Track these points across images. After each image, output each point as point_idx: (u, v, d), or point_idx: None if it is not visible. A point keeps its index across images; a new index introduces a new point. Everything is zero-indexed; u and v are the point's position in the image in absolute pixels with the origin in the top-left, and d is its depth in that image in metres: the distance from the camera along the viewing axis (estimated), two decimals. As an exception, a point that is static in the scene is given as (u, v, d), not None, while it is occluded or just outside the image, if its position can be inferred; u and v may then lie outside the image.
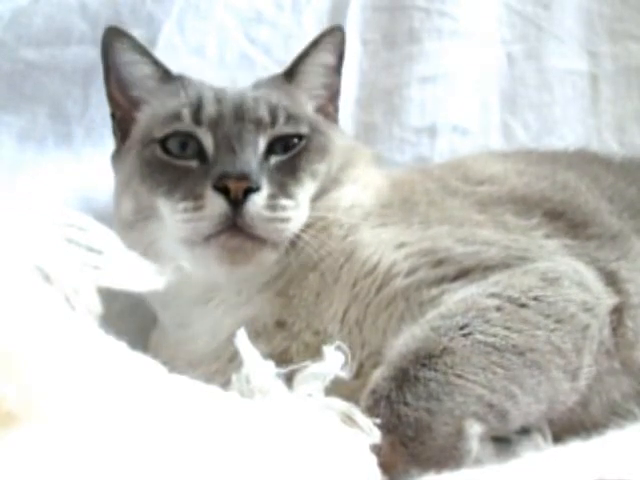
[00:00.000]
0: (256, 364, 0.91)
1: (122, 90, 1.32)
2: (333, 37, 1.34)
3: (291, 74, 1.33)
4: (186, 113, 1.22)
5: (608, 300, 1.04)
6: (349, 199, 1.22)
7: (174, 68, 1.35)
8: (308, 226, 1.17)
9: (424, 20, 1.83)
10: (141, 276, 1.34)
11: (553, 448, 0.93)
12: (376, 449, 0.83)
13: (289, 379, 0.92)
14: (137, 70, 1.30)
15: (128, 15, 1.65)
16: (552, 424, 0.98)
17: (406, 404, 0.89)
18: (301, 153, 1.21)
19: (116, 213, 1.28)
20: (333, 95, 1.37)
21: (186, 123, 1.21)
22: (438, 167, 1.41)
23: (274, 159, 1.18)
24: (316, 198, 1.20)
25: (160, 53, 1.60)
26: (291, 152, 1.21)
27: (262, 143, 1.19)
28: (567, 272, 1.05)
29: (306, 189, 1.19)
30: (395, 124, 1.79)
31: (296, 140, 1.22)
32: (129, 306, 1.29)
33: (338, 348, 0.92)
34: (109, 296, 1.25)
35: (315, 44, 1.33)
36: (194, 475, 0.64)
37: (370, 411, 0.89)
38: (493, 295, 1.00)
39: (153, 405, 0.72)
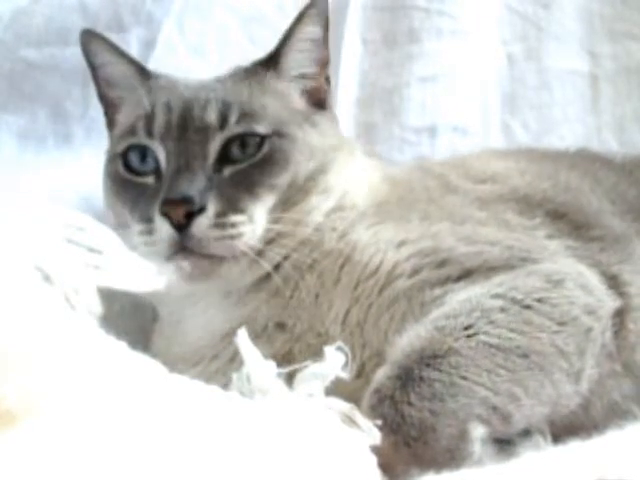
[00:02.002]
0: (257, 364, 0.90)
1: (106, 90, 1.30)
2: (316, 6, 1.23)
3: (274, 58, 1.24)
4: (140, 126, 1.18)
5: (611, 303, 1.04)
6: (319, 213, 1.16)
7: (174, 68, 1.35)
8: (272, 240, 1.13)
9: (424, 20, 1.84)
10: (141, 276, 1.35)
11: (553, 448, 0.93)
12: (376, 449, 0.83)
13: (289, 379, 0.92)
14: (114, 70, 1.27)
15: (128, 15, 1.65)
16: (552, 425, 0.98)
17: (410, 404, 0.88)
18: (261, 163, 1.14)
19: (107, 215, 1.28)
20: (322, 69, 1.26)
21: (140, 136, 1.17)
22: (439, 165, 1.39)
23: (228, 170, 1.13)
24: (280, 208, 1.13)
25: (160, 53, 1.61)
26: (250, 160, 1.14)
27: (212, 151, 1.13)
28: (571, 274, 1.04)
29: (263, 202, 1.12)
30: (395, 124, 1.79)
31: (254, 141, 1.15)
32: (129, 306, 1.30)
33: (339, 348, 0.92)
34: (109, 296, 1.26)
35: (299, 19, 1.23)
36: (194, 475, 0.64)
37: (373, 410, 0.89)
38: (497, 296, 1.00)
39: (153, 405, 0.72)
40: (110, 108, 1.30)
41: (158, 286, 1.28)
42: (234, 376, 0.91)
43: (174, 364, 1.14)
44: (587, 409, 1.00)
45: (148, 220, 1.10)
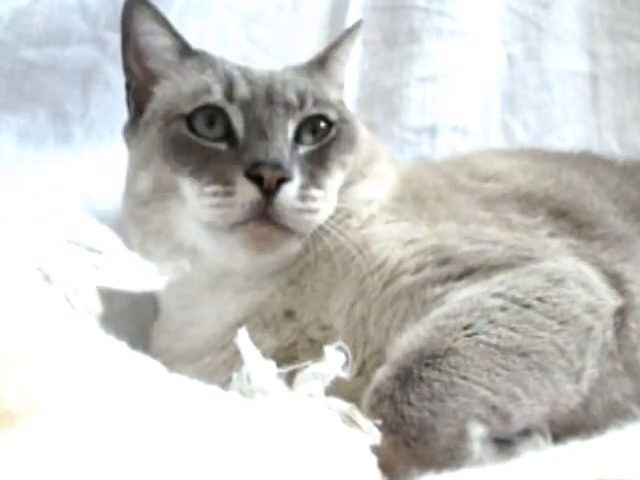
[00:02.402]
0: (257, 364, 0.91)
1: (139, 60, 1.27)
2: (360, 29, 1.36)
3: (321, 62, 1.31)
4: (217, 89, 1.17)
5: (612, 302, 1.04)
6: (369, 193, 1.21)
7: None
8: (331, 217, 1.15)
9: (424, 20, 1.84)
10: (141, 276, 1.35)
11: (553, 448, 0.93)
12: (376, 449, 0.83)
13: (289, 379, 0.92)
14: (156, 41, 1.25)
15: (128, 15, 1.64)
16: (553, 425, 0.98)
17: (410, 404, 0.88)
18: (330, 143, 1.19)
19: (130, 188, 1.23)
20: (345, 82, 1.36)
21: (217, 98, 1.17)
22: (445, 163, 1.40)
23: (303, 149, 1.16)
24: (341, 189, 1.18)
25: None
26: (321, 141, 1.18)
27: (291, 128, 1.16)
28: (572, 273, 1.04)
29: (335, 180, 1.16)
30: (395, 124, 1.79)
31: (324, 125, 1.19)
32: (129, 306, 1.29)
33: (339, 348, 0.92)
34: (109, 296, 1.26)
35: (348, 33, 1.33)
36: (194, 475, 0.64)
37: (373, 410, 0.89)
38: (498, 295, 1.00)
39: (153, 405, 0.72)
40: (140, 79, 1.27)
41: (158, 286, 1.28)
42: (234, 376, 0.91)
43: (178, 359, 1.15)
44: (587, 408, 1.00)
45: (227, 182, 1.08)
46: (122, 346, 0.83)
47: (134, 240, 1.25)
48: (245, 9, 1.78)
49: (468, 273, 1.06)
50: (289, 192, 1.07)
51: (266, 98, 1.17)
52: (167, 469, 0.63)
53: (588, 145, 1.70)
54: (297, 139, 1.16)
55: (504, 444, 0.93)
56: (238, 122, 1.14)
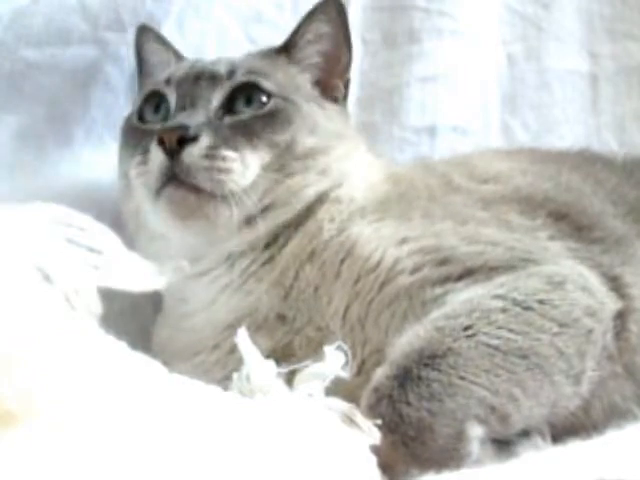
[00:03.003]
0: (257, 363, 0.90)
1: (146, 80, 1.40)
2: (325, 7, 1.32)
3: (286, 47, 1.32)
4: (162, 77, 1.28)
5: (612, 305, 1.04)
6: (312, 190, 1.19)
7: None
8: (267, 208, 1.16)
9: (424, 20, 1.83)
10: (141, 276, 1.35)
11: (553, 448, 0.93)
12: (376, 449, 0.83)
13: (289, 379, 0.92)
14: (154, 58, 1.41)
15: (128, 15, 1.65)
16: (552, 426, 0.98)
17: (408, 404, 0.88)
18: (262, 118, 1.19)
19: (119, 194, 1.32)
20: (338, 68, 1.34)
21: (159, 83, 1.27)
22: (442, 163, 1.40)
23: (230, 118, 1.18)
24: (277, 174, 1.17)
25: (160, 53, 1.60)
26: (252, 111, 1.19)
27: (217, 98, 1.20)
28: (572, 276, 1.04)
29: (258, 153, 1.16)
30: (395, 124, 1.79)
31: (260, 96, 1.20)
32: (129, 306, 1.30)
33: (339, 348, 0.92)
34: (109, 296, 1.26)
35: (307, 15, 1.33)
36: (194, 475, 0.64)
37: (372, 409, 0.89)
38: (498, 297, 1.00)
39: (153, 405, 0.72)
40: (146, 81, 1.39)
41: (158, 286, 1.28)
42: (234, 375, 0.91)
43: (176, 355, 1.15)
44: (587, 411, 1.00)
45: (144, 152, 1.15)
46: (122, 346, 0.83)
47: (132, 237, 1.31)
48: (245, 9, 1.77)
49: (467, 274, 1.06)
50: (193, 151, 1.11)
51: (194, 75, 1.23)
52: (167, 469, 0.63)
53: (588, 145, 1.69)
54: (230, 109, 1.20)
55: (503, 445, 0.93)
56: (172, 102, 1.22)
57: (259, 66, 1.26)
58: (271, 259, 1.17)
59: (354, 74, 1.79)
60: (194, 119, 1.14)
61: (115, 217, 1.37)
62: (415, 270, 1.08)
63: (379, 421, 0.86)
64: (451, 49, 1.84)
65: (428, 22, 1.83)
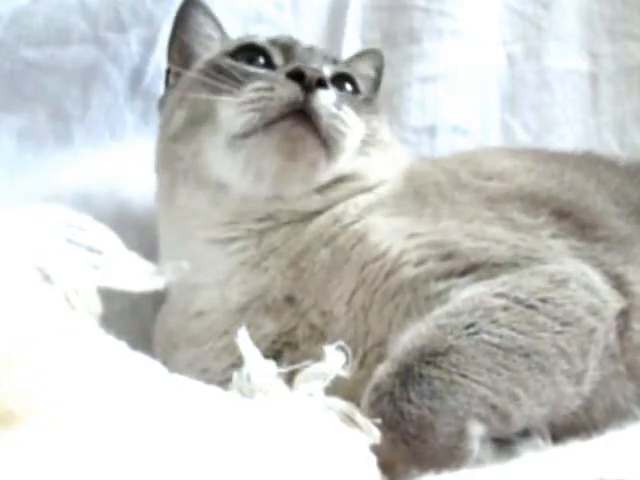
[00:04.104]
0: (257, 364, 0.91)
1: (181, 50, 1.40)
2: (374, 55, 1.49)
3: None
4: (262, 36, 1.30)
5: (615, 304, 1.04)
6: (385, 173, 1.26)
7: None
8: (350, 175, 1.21)
9: (424, 20, 1.84)
10: (141, 276, 1.35)
11: (553, 448, 0.93)
12: (376, 448, 0.83)
13: (289, 379, 0.92)
14: (204, 31, 1.40)
15: (128, 15, 1.65)
16: (553, 426, 0.98)
17: (409, 401, 0.88)
18: (361, 100, 1.28)
19: (162, 134, 1.31)
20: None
21: (261, 40, 1.28)
22: (449, 160, 1.41)
23: (338, 92, 1.22)
24: (362, 147, 1.24)
25: (160, 53, 1.60)
26: (353, 94, 1.28)
27: (327, 71, 1.24)
28: (574, 274, 1.04)
29: (358, 127, 1.22)
30: (395, 124, 1.79)
31: (352, 87, 1.29)
32: (129, 306, 1.30)
33: (339, 347, 0.92)
34: (109, 296, 1.26)
35: (358, 55, 1.47)
36: (194, 475, 0.64)
37: (373, 407, 0.89)
38: (500, 295, 1.00)
39: (153, 405, 0.72)
40: (179, 63, 1.38)
41: (158, 286, 1.28)
42: (234, 375, 0.91)
43: (184, 342, 1.16)
44: (588, 410, 1.00)
45: (268, 81, 1.15)
46: (122, 346, 0.83)
47: (161, 190, 1.31)
48: (245, 9, 1.77)
49: (471, 270, 1.06)
50: (329, 95, 1.14)
51: (307, 47, 1.30)
52: (167, 469, 0.63)
53: (588, 145, 1.70)
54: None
55: (503, 444, 0.93)
56: (278, 59, 1.25)
57: (347, 68, 1.35)
58: (296, 235, 1.17)
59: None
60: (322, 69, 1.20)
61: (115, 217, 1.38)
62: (419, 263, 1.08)
63: (379, 420, 0.86)
64: (451, 49, 1.84)
65: (428, 22, 1.83)
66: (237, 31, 1.75)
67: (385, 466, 0.84)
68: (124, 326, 1.15)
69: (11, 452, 0.59)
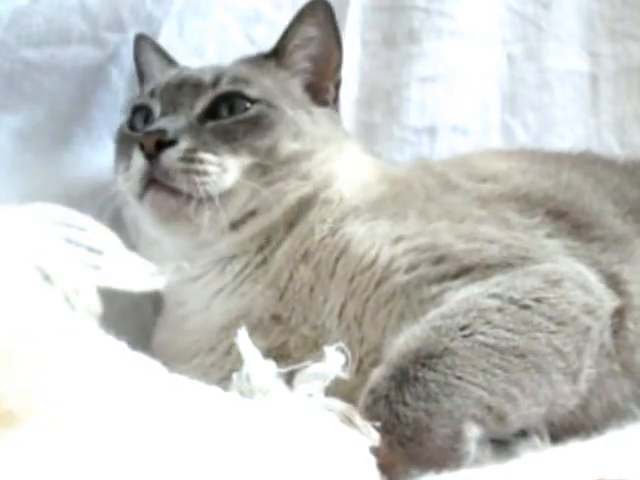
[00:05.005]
0: (257, 363, 0.91)
1: (144, 80, 1.45)
2: (312, 10, 1.33)
3: (275, 52, 1.33)
4: (147, 89, 1.31)
5: (610, 303, 1.04)
6: (294, 196, 1.20)
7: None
8: (257, 208, 1.18)
9: (424, 20, 1.83)
10: (141, 276, 1.35)
11: (553, 448, 0.93)
12: (375, 450, 0.83)
13: (289, 379, 0.92)
14: (154, 66, 1.43)
15: (128, 15, 1.64)
16: (551, 426, 0.98)
17: (405, 404, 0.88)
18: (243, 123, 1.20)
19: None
20: (329, 70, 1.35)
21: (144, 96, 1.30)
22: (441, 163, 1.40)
23: (211, 123, 1.20)
24: (257, 176, 1.18)
25: (160, 53, 1.60)
26: (233, 117, 1.20)
27: (200, 105, 1.22)
28: (569, 274, 1.04)
29: (238, 158, 1.17)
30: (395, 124, 1.79)
31: (242, 103, 1.22)
32: (129, 306, 1.29)
33: (339, 348, 0.92)
34: (109, 296, 1.26)
35: (295, 19, 1.33)
36: (194, 475, 0.64)
37: (369, 410, 0.89)
38: (495, 296, 1.00)
39: (153, 405, 0.72)
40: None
41: (158, 286, 1.28)
42: (234, 375, 0.91)
43: (175, 357, 1.16)
44: (586, 409, 1.00)
45: (129, 158, 1.18)
46: (122, 346, 0.83)
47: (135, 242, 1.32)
48: (245, 9, 1.77)
49: (464, 272, 1.06)
50: (170, 154, 1.13)
51: (178, 85, 1.25)
52: (167, 469, 0.63)
53: (588, 145, 1.69)
54: (213, 116, 1.21)
55: (502, 445, 0.93)
56: (157, 111, 1.24)
57: (245, 73, 1.27)
58: (264, 262, 1.18)
59: (354, 74, 1.80)
60: (174, 124, 1.17)
61: (115, 217, 1.37)
62: (411, 268, 1.08)
63: (377, 422, 0.86)
64: (451, 49, 1.84)
65: (428, 22, 1.83)
66: (237, 31, 1.75)
67: (384, 467, 0.84)
68: (124, 326, 1.15)
69: (11, 452, 0.59)
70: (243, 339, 0.93)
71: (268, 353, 1.07)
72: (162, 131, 1.14)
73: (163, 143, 1.13)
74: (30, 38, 1.60)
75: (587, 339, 0.98)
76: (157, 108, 1.25)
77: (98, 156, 1.58)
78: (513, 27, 1.90)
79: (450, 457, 0.87)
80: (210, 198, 1.14)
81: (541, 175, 1.27)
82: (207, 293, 1.21)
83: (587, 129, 1.86)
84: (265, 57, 1.33)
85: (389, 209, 1.17)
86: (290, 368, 0.92)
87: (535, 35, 1.90)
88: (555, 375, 0.95)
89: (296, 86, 1.31)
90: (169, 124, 1.16)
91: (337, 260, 1.13)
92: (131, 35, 1.60)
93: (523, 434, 0.95)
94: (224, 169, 1.15)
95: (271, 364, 0.92)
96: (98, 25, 1.62)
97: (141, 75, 1.47)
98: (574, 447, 0.77)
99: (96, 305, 1.23)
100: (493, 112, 1.85)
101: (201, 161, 1.13)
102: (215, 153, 1.15)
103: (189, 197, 1.14)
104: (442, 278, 1.06)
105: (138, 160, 1.15)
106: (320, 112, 1.31)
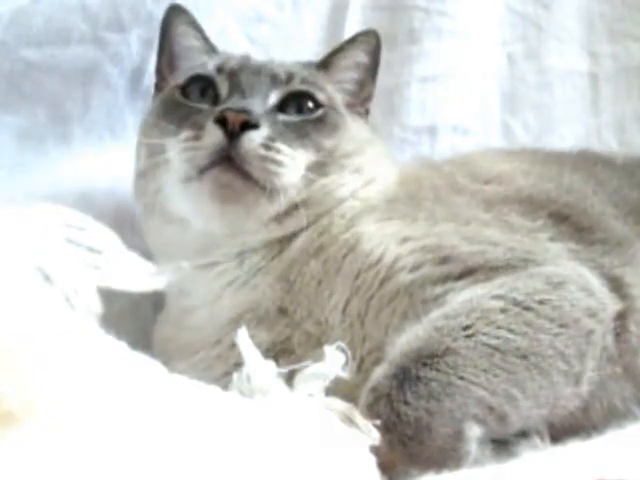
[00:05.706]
0: (257, 363, 0.91)
1: (171, 63, 1.39)
2: (367, 38, 1.38)
3: (324, 65, 1.36)
4: (211, 64, 1.28)
5: (612, 306, 1.04)
6: (347, 189, 1.22)
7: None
8: (305, 201, 1.18)
9: (424, 20, 1.83)
10: (141, 276, 1.35)
11: (553, 448, 0.93)
12: (375, 449, 0.83)
13: (289, 379, 0.92)
14: (187, 42, 1.38)
15: (128, 15, 1.64)
16: (551, 427, 0.98)
17: (406, 403, 0.89)
18: (312, 122, 1.23)
19: (134, 169, 1.32)
20: (363, 96, 1.40)
21: (208, 69, 1.27)
22: (447, 163, 1.40)
23: (283, 117, 1.21)
24: (315, 172, 1.19)
25: (160, 53, 1.60)
26: (303, 116, 1.22)
27: (274, 97, 1.22)
28: (572, 277, 1.04)
29: (306, 154, 1.19)
30: (395, 124, 1.79)
31: (311, 104, 1.24)
32: (129, 306, 1.30)
33: (339, 348, 0.92)
34: (109, 296, 1.26)
35: (350, 41, 1.38)
36: (194, 475, 0.64)
37: (370, 409, 0.89)
38: (498, 297, 1.00)
39: (153, 405, 0.72)
40: (165, 79, 1.37)
41: (158, 286, 1.28)
42: (234, 376, 0.91)
43: (177, 352, 1.16)
44: (587, 412, 1.00)
45: (199, 127, 1.14)
46: (122, 346, 0.83)
47: (140, 220, 1.31)
48: (245, 9, 1.77)
49: (468, 273, 1.06)
50: (253, 137, 1.11)
51: (253, 70, 1.25)
52: (167, 469, 0.63)
53: (588, 145, 1.69)
54: (281, 110, 1.21)
55: (502, 445, 0.93)
56: (224, 89, 1.22)
57: (312, 77, 1.30)
58: (280, 253, 1.18)
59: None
60: (255, 106, 1.16)
61: (115, 217, 1.37)
62: (415, 268, 1.08)
63: (378, 421, 0.86)
64: (451, 49, 1.84)
65: (428, 22, 1.83)
66: (237, 31, 1.75)
67: (384, 466, 0.84)
68: (124, 326, 1.15)
69: (11, 452, 0.59)
70: (243, 338, 0.93)
71: (272, 347, 1.08)
72: (248, 112, 1.14)
73: (248, 124, 1.12)
74: (30, 38, 1.60)
75: (589, 342, 0.98)
76: (224, 86, 1.23)
77: (98, 156, 1.58)
78: (513, 27, 1.90)
79: (450, 457, 0.87)
80: (276, 189, 1.14)
81: (543, 177, 1.27)
82: (218, 284, 1.20)
83: (587, 129, 1.86)
84: (316, 66, 1.36)
85: (401, 209, 1.19)
86: (290, 368, 0.92)
87: (535, 35, 1.90)
88: (557, 377, 0.95)
89: (339, 99, 1.34)
90: (251, 105, 1.16)
91: (345, 256, 1.14)
92: (131, 35, 1.60)
93: (523, 434, 0.95)
94: (295, 163, 1.16)
95: (271, 364, 0.92)
96: (98, 25, 1.62)
97: (169, 45, 1.40)
98: (574, 447, 0.77)
99: (96, 305, 1.23)
100: (493, 112, 1.86)
101: (278, 151, 1.14)
102: (290, 146, 1.16)
103: (256, 184, 1.13)
104: (446, 279, 1.07)
105: (215, 134, 1.12)
106: (358, 118, 1.37)
